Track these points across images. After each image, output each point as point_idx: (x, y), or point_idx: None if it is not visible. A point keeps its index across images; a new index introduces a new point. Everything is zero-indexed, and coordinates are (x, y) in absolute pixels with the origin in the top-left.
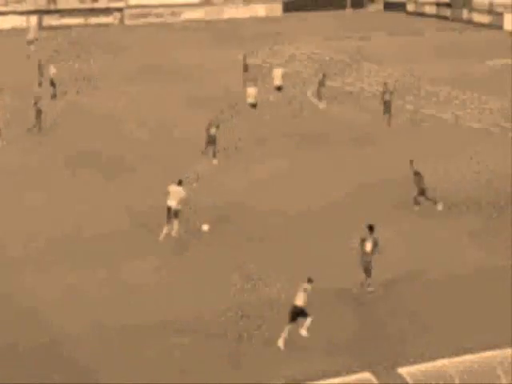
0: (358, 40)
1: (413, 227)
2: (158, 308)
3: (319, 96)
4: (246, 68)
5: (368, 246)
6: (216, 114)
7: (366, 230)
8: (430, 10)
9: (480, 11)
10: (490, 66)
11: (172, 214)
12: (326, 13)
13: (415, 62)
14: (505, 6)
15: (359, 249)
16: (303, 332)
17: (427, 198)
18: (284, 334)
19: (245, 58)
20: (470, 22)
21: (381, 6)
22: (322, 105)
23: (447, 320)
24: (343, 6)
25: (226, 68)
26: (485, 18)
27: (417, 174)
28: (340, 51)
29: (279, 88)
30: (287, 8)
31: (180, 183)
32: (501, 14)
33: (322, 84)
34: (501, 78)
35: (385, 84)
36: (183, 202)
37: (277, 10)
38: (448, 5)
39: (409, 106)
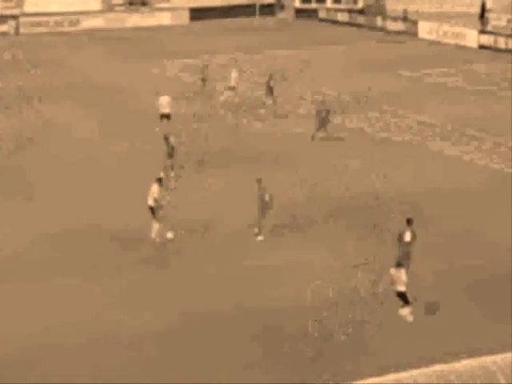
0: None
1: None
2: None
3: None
4: (204, 80)
5: (407, 236)
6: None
7: (405, 223)
8: (343, 17)
9: (394, 19)
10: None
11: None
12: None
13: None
14: (418, 14)
15: (397, 241)
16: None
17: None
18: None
19: (204, 71)
20: (383, 29)
21: (291, 13)
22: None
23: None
24: (253, 14)
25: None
26: (399, 26)
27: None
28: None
29: (233, 88)
30: (194, 16)
31: (160, 180)
32: (415, 22)
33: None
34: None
35: (321, 101)
36: (156, 201)
37: (184, 18)
38: (361, 12)
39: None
